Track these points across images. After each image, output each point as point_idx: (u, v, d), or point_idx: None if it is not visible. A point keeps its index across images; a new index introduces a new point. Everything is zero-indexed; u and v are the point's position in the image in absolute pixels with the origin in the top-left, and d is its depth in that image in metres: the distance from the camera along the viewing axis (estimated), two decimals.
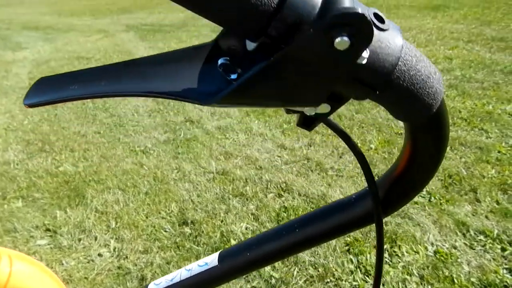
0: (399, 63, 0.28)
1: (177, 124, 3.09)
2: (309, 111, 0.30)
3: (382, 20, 0.28)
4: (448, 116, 0.33)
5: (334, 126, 0.36)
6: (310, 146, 2.55)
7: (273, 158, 2.47)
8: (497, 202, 1.90)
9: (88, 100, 3.78)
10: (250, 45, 0.28)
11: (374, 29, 0.26)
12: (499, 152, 2.28)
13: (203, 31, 6.40)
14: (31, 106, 0.27)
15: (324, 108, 0.30)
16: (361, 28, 0.24)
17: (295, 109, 0.31)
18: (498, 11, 5.37)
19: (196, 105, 3.34)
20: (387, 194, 0.39)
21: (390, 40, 0.27)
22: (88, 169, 2.54)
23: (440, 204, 1.93)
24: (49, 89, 0.27)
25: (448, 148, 2.37)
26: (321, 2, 0.25)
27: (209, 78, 0.29)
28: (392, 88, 0.29)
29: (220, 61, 0.30)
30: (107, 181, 2.38)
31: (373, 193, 0.38)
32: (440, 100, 0.31)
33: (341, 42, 0.24)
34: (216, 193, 2.19)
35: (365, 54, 0.26)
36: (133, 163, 2.57)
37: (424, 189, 2.03)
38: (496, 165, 2.16)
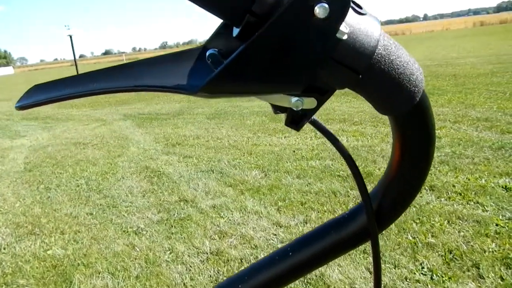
0: (379, 46, 0.29)
1: (171, 203, 3.05)
2: (295, 105, 0.30)
3: (359, 6, 0.30)
4: (431, 107, 0.33)
5: (321, 127, 0.36)
6: (306, 223, 2.50)
7: (269, 236, 2.41)
8: (501, 278, 1.82)
9: (83, 181, 3.78)
10: (235, 31, 0.30)
11: (352, 11, 0.28)
12: (497, 225, 2.25)
13: (198, 118, 6.61)
14: (22, 108, 0.28)
15: (310, 102, 0.31)
16: None
17: (282, 104, 0.31)
18: (480, 96, 5.67)
19: (191, 185, 3.35)
20: (382, 203, 0.37)
21: (368, 24, 0.29)
22: (78, 252, 2.45)
23: (443, 281, 1.85)
24: (42, 93, 0.28)
25: (445, 222, 2.34)
26: None
27: (197, 72, 0.30)
28: (374, 72, 0.30)
29: (209, 52, 0.31)
30: (96, 265, 2.28)
31: (365, 200, 0.36)
32: (422, 89, 0.31)
33: (321, 8, 0.25)
34: (210, 276, 2.09)
35: (345, 29, 0.27)
36: (124, 244, 2.49)
37: (425, 266, 1.96)
38: (495, 239, 2.12)
